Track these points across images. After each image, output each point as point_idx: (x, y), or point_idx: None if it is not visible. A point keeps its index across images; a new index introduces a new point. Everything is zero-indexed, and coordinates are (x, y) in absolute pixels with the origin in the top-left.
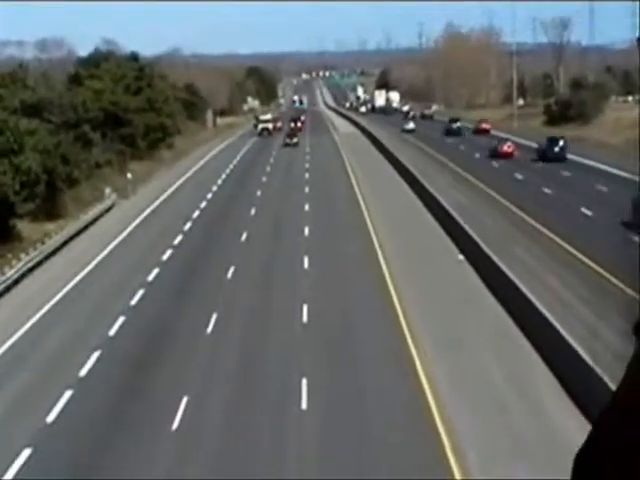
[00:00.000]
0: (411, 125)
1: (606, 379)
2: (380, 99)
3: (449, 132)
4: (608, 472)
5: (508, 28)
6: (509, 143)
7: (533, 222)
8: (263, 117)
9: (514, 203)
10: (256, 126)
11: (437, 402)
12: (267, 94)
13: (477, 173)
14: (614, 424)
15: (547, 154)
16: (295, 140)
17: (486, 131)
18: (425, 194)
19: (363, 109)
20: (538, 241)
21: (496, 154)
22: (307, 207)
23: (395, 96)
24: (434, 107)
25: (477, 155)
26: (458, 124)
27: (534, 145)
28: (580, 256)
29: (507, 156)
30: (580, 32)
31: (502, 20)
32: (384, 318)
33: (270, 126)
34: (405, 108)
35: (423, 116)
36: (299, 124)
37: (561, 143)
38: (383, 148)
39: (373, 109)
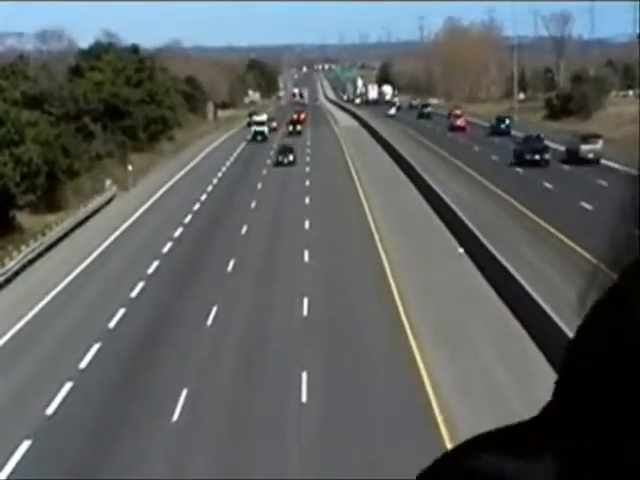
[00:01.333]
0: (392, 111)
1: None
2: (373, 92)
3: (421, 115)
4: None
5: (509, 22)
6: (461, 119)
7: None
8: (257, 118)
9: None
10: (250, 125)
11: (437, 395)
12: (268, 87)
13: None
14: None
15: (496, 130)
16: (291, 158)
17: (458, 116)
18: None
19: (357, 101)
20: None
21: (452, 128)
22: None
23: (388, 89)
24: (434, 100)
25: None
26: (429, 109)
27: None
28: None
29: (460, 130)
30: (581, 26)
31: (503, 14)
32: (384, 310)
33: (265, 129)
34: (395, 100)
35: (411, 106)
36: (298, 127)
37: (507, 122)
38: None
39: (367, 101)
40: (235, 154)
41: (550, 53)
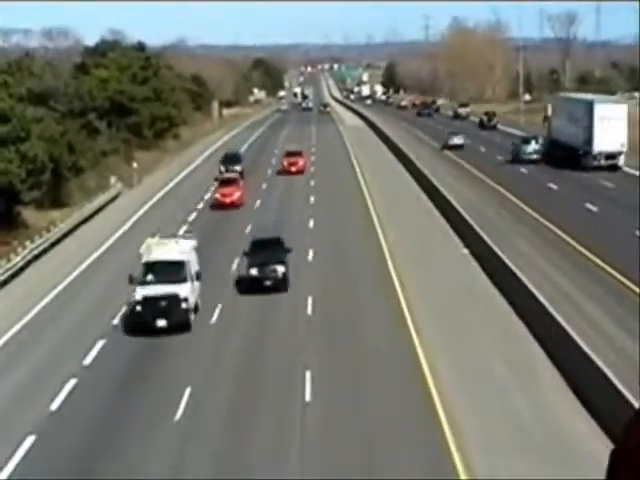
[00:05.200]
0: (368, 102)
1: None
2: (365, 90)
3: (399, 107)
4: None
5: (514, 23)
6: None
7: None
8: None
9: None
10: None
11: (440, 394)
12: (273, 85)
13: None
14: None
15: (484, 124)
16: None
17: (425, 105)
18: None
19: (352, 97)
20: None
21: (419, 114)
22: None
23: (378, 88)
24: (439, 101)
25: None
26: (405, 102)
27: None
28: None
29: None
30: (586, 27)
31: (508, 15)
32: (388, 310)
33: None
34: (383, 97)
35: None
36: (293, 168)
37: (495, 120)
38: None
39: (361, 97)
40: (241, 150)
41: (556, 54)
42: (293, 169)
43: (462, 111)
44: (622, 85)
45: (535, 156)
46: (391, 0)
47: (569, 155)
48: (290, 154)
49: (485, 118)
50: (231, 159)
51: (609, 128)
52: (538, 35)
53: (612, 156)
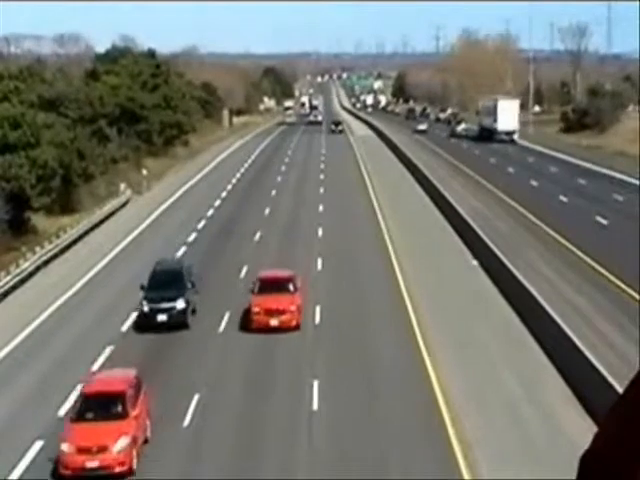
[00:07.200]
0: (369, 110)
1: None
2: (369, 99)
3: (394, 113)
4: (613, 473)
5: (525, 35)
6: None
7: None
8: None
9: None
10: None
11: (448, 404)
12: (283, 94)
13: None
14: (620, 425)
15: (450, 122)
16: None
17: (411, 111)
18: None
19: (358, 105)
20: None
21: (407, 118)
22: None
23: (382, 98)
24: (449, 111)
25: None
26: (398, 109)
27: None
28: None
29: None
30: (598, 40)
31: (519, 26)
32: (394, 315)
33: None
34: (382, 105)
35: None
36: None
37: (459, 118)
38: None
39: (365, 105)
40: (249, 160)
41: (567, 67)
42: (273, 322)
43: (441, 115)
44: (634, 98)
45: (464, 132)
46: (402, 11)
47: (487, 134)
48: (268, 283)
49: (452, 119)
50: (162, 282)
51: (507, 115)
52: (549, 47)
53: (509, 133)
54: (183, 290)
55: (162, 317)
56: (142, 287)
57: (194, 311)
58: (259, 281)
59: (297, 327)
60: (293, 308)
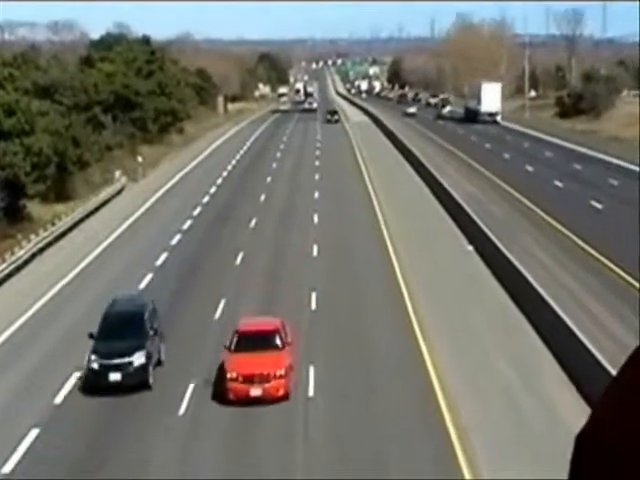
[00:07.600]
0: (364, 95)
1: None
2: (363, 85)
3: (386, 98)
4: (609, 453)
5: (520, 20)
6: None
7: None
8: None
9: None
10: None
11: (444, 390)
12: (278, 80)
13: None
14: (613, 407)
15: (438, 107)
16: None
17: (403, 96)
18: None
19: (353, 91)
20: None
21: (399, 102)
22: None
23: (376, 84)
24: (440, 96)
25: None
26: (391, 95)
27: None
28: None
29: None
30: (593, 25)
31: (514, 12)
32: (389, 300)
33: None
34: (377, 91)
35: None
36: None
37: (447, 103)
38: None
39: (360, 91)
40: (245, 147)
41: (562, 51)
42: (255, 392)
43: (432, 100)
44: (629, 83)
45: (448, 115)
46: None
47: (472, 115)
48: (248, 338)
49: (440, 103)
50: (117, 329)
51: (490, 98)
52: (544, 32)
53: (492, 114)
54: (143, 340)
55: (115, 376)
56: (91, 336)
57: (160, 362)
58: (237, 335)
59: (285, 397)
60: (280, 372)
